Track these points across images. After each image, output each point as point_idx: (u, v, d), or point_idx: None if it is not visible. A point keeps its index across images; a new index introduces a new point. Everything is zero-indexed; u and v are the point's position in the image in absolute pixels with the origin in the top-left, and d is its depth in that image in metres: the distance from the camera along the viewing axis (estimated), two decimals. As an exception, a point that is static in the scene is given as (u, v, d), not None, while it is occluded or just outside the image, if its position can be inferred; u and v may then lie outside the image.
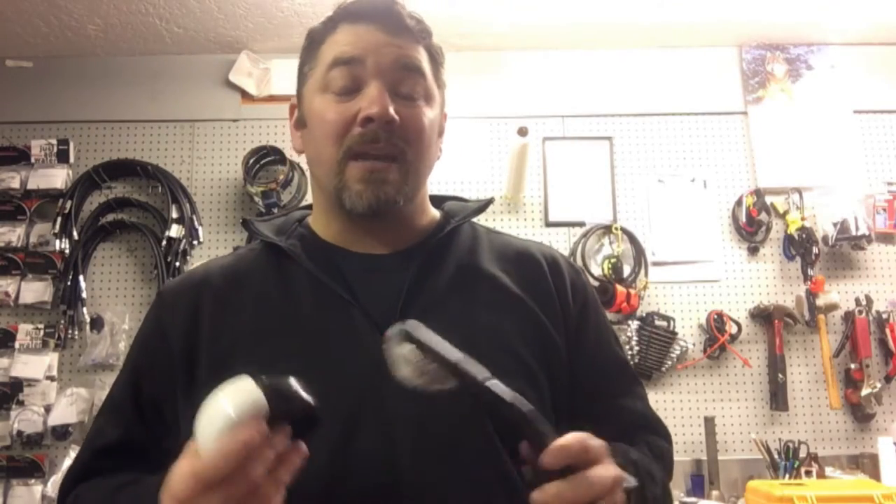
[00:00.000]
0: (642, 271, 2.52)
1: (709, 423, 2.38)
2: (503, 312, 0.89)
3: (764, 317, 2.50)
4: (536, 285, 0.93)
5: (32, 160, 2.55)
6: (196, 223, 2.51)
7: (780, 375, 2.42)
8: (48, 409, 2.37)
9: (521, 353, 0.87)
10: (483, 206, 0.98)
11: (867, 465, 2.36)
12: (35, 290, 2.46)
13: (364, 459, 0.78)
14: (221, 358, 0.83)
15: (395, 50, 0.86)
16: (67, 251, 2.45)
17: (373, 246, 0.91)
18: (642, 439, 0.93)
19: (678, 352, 2.44)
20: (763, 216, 2.57)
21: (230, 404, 0.61)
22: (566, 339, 0.92)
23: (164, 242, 2.44)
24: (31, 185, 2.53)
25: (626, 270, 2.51)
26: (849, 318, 2.48)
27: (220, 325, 0.86)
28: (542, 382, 0.88)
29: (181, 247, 2.45)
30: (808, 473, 2.26)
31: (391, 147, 0.84)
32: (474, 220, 0.99)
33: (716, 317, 2.48)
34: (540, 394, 0.87)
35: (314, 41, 0.90)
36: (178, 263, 2.44)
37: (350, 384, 0.80)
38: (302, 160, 2.57)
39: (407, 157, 0.86)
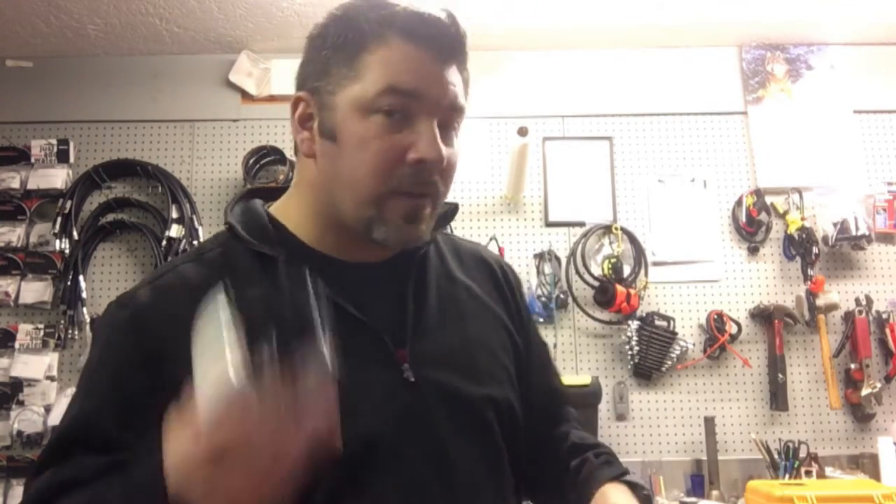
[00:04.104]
0: (642, 271, 2.52)
1: (709, 423, 2.38)
2: (483, 321, 0.93)
3: (764, 317, 2.50)
4: (498, 292, 0.98)
5: (32, 160, 2.55)
6: (196, 223, 2.51)
7: (780, 375, 2.42)
8: (48, 409, 2.37)
9: (503, 361, 0.92)
10: (453, 211, 0.96)
11: (867, 465, 2.36)
12: (35, 290, 2.46)
13: (388, 486, 0.78)
14: None
15: (450, 89, 0.82)
16: (67, 251, 2.45)
17: (363, 255, 0.86)
18: (592, 442, 1.01)
19: (678, 352, 2.44)
20: (763, 216, 2.57)
21: (230, 364, 0.59)
22: (522, 342, 0.98)
23: (164, 242, 2.44)
24: (31, 185, 2.52)
25: (626, 270, 2.51)
26: (849, 318, 2.48)
27: None
28: (517, 386, 0.93)
29: (181, 247, 2.45)
30: (808, 473, 2.26)
31: (432, 187, 0.82)
32: None
33: (716, 317, 2.48)
34: (518, 398, 0.92)
35: (355, 44, 0.79)
36: (178, 263, 2.43)
37: (371, 405, 0.78)
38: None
39: (439, 192, 0.83)
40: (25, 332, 2.43)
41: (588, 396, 2.34)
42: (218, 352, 0.60)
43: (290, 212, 0.87)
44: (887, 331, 2.46)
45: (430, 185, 0.80)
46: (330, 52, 0.81)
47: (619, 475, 0.90)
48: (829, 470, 2.32)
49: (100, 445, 0.74)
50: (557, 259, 2.53)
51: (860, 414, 2.45)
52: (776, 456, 2.32)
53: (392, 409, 0.79)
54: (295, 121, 0.84)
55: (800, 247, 2.50)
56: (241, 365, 0.59)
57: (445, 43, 0.81)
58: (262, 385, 0.60)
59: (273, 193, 0.91)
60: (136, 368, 0.77)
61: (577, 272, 2.50)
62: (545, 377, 1.04)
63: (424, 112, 0.79)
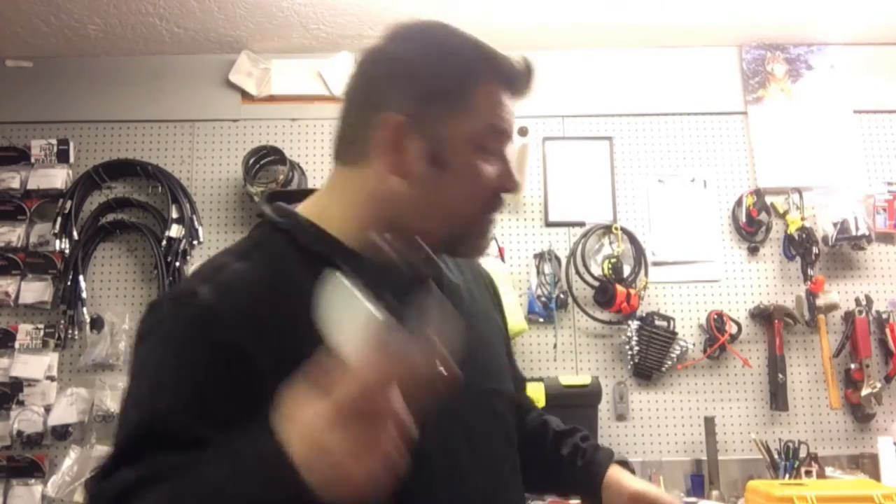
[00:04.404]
0: (642, 271, 2.52)
1: (709, 423, 2.38)
2: (485, 321, 1.02)
3: (764, 317, 2.50)
4: (488, 292, 1.08)
5: (32, 160, 2.55)
6: (196, 223, 2.51)
7: (780, 375, 2.42)
8: (48, 409, 2.37)
9: (502, 357, 1.03)
10: None
11: (867, 465, 2.36)
12: (35, 290, 2.46)
13: (441, 470, 0.84)
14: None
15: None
16: (67, 251, 2.45)
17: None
18: (569, 427, 1.14)
19: (678, 352, 2.44)
20: (763, 216, 2.57)
21: (371, 304, 0.59)
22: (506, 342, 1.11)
23: (164, 242, 2.44)
24: (31, 185, 2.53)
25: (626, 270, 2.51)
26: (849, 318, 2.48)
27: (297, 349, 0.78)
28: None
29: (181, 247, 2.45)
30: (808, 473, 2.26)
31: (502, 208, 0.94)
32: None
33: (716, 317, 2.48)
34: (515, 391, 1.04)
35: (463, 79, 0.86)
36: (178, 263, 2.44)
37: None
38: (302, 159, 2.57)
39: None
40: (25, 332, 2.43)
41: (588, 396, 2.34)
42: (356, 307, 0.61)
43: (330, 214, 0.89)
44: (887, 331, 2.46)
45: (502, 207, 0.92)
46: (430, 80, 0.86)
47: (611, 456, 1.07)
48: (829, 470, 2.32)
49: (175, 442, 0.73)
50: (557, 259, 2.53)
51: (860, 414, 2.45)
52: (776, 456, 2.32)
53: (434, 402, 0.84)
54: (391, 145, 0.85)
55: (800, 247, 2.50)
56: (383, 312, 0.61)
57: (525, 92, 0.92)
58: (407, 330, 0.62)
59: (289, 196, 0.95)
60: (209, 365, 0.77)
61: (577, 272, 2.50)
62: (514, 368, 1.16)
63: (505, 146, 0.91)
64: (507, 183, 0.90)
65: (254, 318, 0.78)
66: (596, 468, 1.03)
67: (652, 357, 2.44)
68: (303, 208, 0.91)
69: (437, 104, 0.85)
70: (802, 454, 2.31)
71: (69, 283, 2.42)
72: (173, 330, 0.80)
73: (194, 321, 0.79)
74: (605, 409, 2.44)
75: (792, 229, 2.52)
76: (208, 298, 0.79)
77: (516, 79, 0.89)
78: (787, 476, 2.28)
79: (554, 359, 2.49)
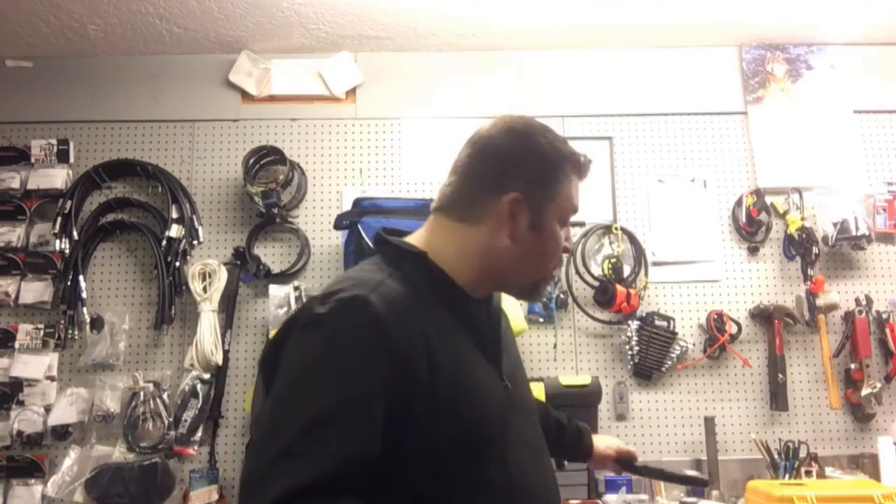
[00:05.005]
0: (642, 271, 2.52)
1: (709, 423, 2.38)
2: (514, 341, 1.24)
3: (764, 317, 2.50)
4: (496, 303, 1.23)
5: (32, 160, 2.55)
6: (196, 223, 2.51)
7: (780, 375, 2.42)
8: (48, 409, 2.37)
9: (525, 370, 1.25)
10: None
11: (867, 465, 2.36)
12: (35, 290, 2.46)
13: (520, 448, 1.06)
14: (452, 384, 0.98)
15: None
16: (67, 251, 2.45)
17: (480, 294, 1.13)
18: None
19: (678, 352, 2.44)
20: (763, 216, 2.57)
21: None
22: None
23: (164, 242, 2.44)
24: (31, 185, 2.53)
25: (626, 270, 2.51)
26: (849, 318, 2.48)
27: (448, 361, 0.99)
28: None
29: (181, 247, 2.45)
30: (808, 473, 2.26)
31: None
32: None
33: (716, 317, 2.48)
34: None
35: (557, 168, 1.11)
36: (178, 263, 2.44)
37: (499, 401, 1.07)
38: (302, 159, 2.57)
39: None
40: (25, 332, 2.43)
41: (588, 396, 2.34)
42: None
43: (440, 254, 1.08)
44: (887, 331, 2.46)
45: (562, 264, 1.26)
46: (537, 170, 1.10)
47: (586, 428, 1.55)
48: (829, 470, 2.32)
49: (362, 423, 0.87)
50: (557, 259, 2.53)
51: (860, 414, 2.45)
52: (776, 456, 2.32)
53: (505, 404, 1.07)
54: (509, 216, 1.07)
55: (800, 247, 2.50)
56: None
57: (587, 176, 1.17)
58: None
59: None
60: (389, 365, 0.91)
61: (577, 272, 2.50)
62: None
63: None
64: (568, 244, 1.16)
65: (414, 331, 0.95)
66: (582, 445, 1.53)
67: (652, 357, 2.44)
68: (426, 248, 1.09)
69: (541, 187, 1.10)
70: (802, 454, 2.31)
71: (69, 283, 2.42)
72: (351, 329, 0.92)
73: (373, 325, 0.92)
74: (605, 409, 2.44)
75: (792, 229, 2.52)
76: (382, 309, 0.93)
77: (585, 169, 1.15)
78: (787, 476, 2.28)
79: (554, 359, 2.49)
